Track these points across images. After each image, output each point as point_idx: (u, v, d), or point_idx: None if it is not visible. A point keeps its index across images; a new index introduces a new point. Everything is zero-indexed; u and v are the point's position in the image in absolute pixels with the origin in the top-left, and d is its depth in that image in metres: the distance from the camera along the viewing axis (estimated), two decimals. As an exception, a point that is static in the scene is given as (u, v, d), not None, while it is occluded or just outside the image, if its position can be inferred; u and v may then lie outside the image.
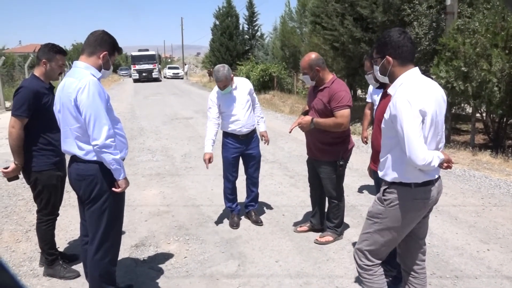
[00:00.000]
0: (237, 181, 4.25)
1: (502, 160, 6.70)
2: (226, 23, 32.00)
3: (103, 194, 2.49)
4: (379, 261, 2.34)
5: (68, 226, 4.18)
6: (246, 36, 33.06)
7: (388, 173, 2.19)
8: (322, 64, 3.44)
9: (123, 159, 2.57)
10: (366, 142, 4.84)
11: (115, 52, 2.60)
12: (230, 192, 4.18)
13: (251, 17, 32.86)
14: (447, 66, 7.34)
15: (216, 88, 4.02)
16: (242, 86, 4.01)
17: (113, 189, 2.50)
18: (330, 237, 3.79)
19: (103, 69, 2.55)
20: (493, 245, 3.72)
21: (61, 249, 3.56)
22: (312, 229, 4.00)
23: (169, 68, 45.27)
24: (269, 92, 19.18)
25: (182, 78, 42.09)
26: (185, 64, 49.25)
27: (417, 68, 2.14)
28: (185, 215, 4.49)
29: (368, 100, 4.93)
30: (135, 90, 24.88)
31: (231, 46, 31.56)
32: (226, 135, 4.07)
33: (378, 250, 2.30)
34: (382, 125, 2.18)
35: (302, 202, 4.92)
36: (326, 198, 3.85)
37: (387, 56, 2.13)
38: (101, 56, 2.49)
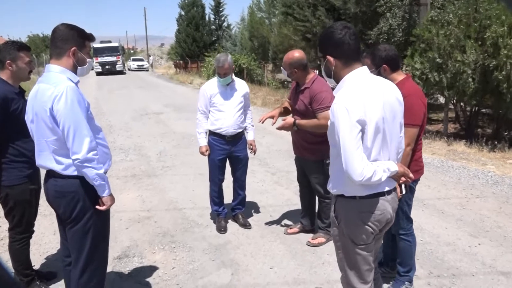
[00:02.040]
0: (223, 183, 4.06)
1: (476, 150, 6.83)
2: (192, 13, 31.35)
3: (86, 213, 2.24)
4: (368, 284, 2.05)
5: (42, 239, 3.86)
6: (213, 27, 32.58)
7: (334, 186, 1.99)
8: (302, 66, 3.31)
9: (106, 172, 2.32)
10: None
11: (85, 42, 2.27)
12: (216, 196, 3.99)
13: (217, 7, 32.38)
14: (422, 58, 7.40)
15: (214, 79, 3.80)
16: (240, 85, 3.85)
17: (97, 206, 2.25)
18: (322, 238, 3.68)
19: (78, 67, 2.26)
20: (483, 239, 3.73)
21: (36, 266, 3.26)
22: (303, 230, 3.88)
23: (134, 60, 43.99)
24: (239, 84, 18.93)
25: (147, 70, 41.02)
26: (150, 56, 48.00)
27: (364, 67, 1.90)
28: (168, 220, 4.25)
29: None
30: (99, 84, 23.92)
31: (197, 37, 31.00)
32: (212, 134, 3.85)
33: (360, 273, 2.01)
34: (328, 131, 1.96)
35: (288, 200, 4.79)
36: (316, 197, 3.74)
37: (328, 56, 1.89)
38: (70, 53, 2.19)
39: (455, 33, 6.88)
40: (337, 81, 1.96)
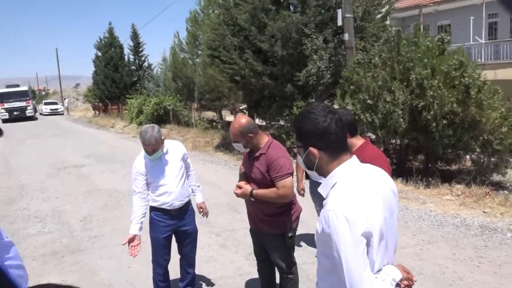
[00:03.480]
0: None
1: (413, 187, 6.98)
2: (110, 54, 30.17)
3: None
4: None
5: None
6: (133, 67, 31.62)
7: None
8: (254, 129, 2.97)
9: None
10: (303, 195, 4.47)
11: None
12: (162, 279, 3.39)
13: (137, 47, 31.63)
14: (353, 99, 7.53)
15: (141, 154, 3.27)
16: (174, 150, 3.33)
17: None
18: (288, 318, 3.25)
19: None
20: (449, 295, 3.58)
21: None
22: (265, 308, 3.43)
23: (46, 103, 41.08)
24: (166, 126, 18.24)
25: (62, 114, 38.43)
26: (65, 98, 45.16)
27: (354, 158, 1.59)
28: (102, 315, 3.54)
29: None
30: (6, 133, 21.57)
31: (117, 78, 29.77)
32: (154, 210, 3.30)
33: None
34: (316, 237, 1.59)
35: (240, 269, 4.31)
36: (277, 272, 3.33)
37: (311, 148, 1.57)
38: None
39: (381, 75, 7.13)
40: (322, 175, 1.63)
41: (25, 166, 11.08)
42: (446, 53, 6.98)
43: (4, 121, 30.38)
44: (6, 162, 12.10)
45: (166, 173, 3.22)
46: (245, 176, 3.13)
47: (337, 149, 1.56)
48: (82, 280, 4.19)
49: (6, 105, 30.75)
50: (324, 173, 1.60)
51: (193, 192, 3.55)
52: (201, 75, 17.89)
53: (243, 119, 2.99)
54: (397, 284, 1.59)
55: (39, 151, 13.95)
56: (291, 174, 2.92)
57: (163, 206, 3.23)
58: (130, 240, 3.14)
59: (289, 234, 3.04)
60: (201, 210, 3.60)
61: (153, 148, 3.09)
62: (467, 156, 7.78)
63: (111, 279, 4.18)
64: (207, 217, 3.69)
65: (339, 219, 1.40)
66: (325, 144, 1.55)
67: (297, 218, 3.16)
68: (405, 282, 1.60)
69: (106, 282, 4.12)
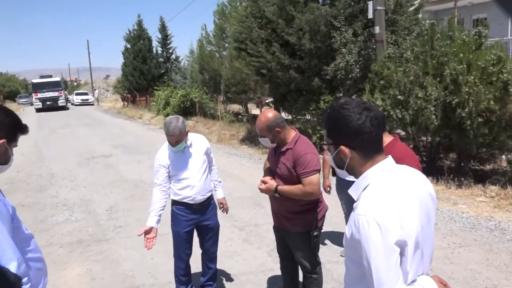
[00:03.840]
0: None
1: (444, 187, 6.72)
2: (138, 46, 30.58)
3: None
4: None
5: None
6: (161, 59, 31.94)
7: None
8: (282, 124, 2.87)
9: None
10: (329, 192, 4.35)
11: (17, 135, 1.76)
12: (183, 273, 3.36)
13: (165, 39, 31.88)
14: (383, 94, 7.30)
15: (165, 145, 3.24)
16: (198, 143, 3.28)
17: None
18: (310, 318, 3.16)
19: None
20: (482, 303, 3.40)
21: None
22: (286, 307, 3.35)
23: (77, 94, 42.17)
24: (192, 119, 18.36)
25: (92, 104, 39.37)
26: (95, 89, 46.22)
27: (389, 159, 1.47)
28: (124, 306, 3.55)
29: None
30: (39, 122, 22.29)
31: (145, 70, 30.15)
32: (176, 204, 3.27)
33: None
34: (344, 242, 1.49)
35: (263, 265, 4.24)
36: (301, 271, 3.24)
37: (342, 147, 1.46)
38: None
39: (413, 70, 6.86)
40: (353, 175, 1.52)
41: (55, 155, 11.38)
42: (483, 47, 6.64)
43: (38, 110, 31.39)
44: (38, 150, 12.46)
45: (189, 167, 3.18)
46: (270, 172, 3.05)
47: (371, 149, 1.45)
48: (105, 270, 4.23)
49: (40, 95, 31.74)
50: (355, 174, 1.49)
51: (214, 187, 3.49)
52: (228, 68, 17.84)
53: (270, 113, 2.90)
54: None
55: (70, 141, 14.31)
56: (318, 171, 2.81)
57: (185, 200, 3.19)
58: (147, 232, 3.09)
59: (315, 233, 2.95)
60: (222, 206, 3.54)
61: (176, 139, 3.04)
62: (503, 156, 7.42)
63: (134, 270, 4.20)
64: (227, 213, 3.63)
65: (371, 225, 1.29)
66: (358, 143, 1.43)
67: (323, 216, 3.06)
68: None
69: (129, 273, 4.15)
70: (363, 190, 1.42)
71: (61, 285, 3.94)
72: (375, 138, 1.43)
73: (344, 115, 1.44)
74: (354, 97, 8.62)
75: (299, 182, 2.81)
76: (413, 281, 1.41)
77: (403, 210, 1.34)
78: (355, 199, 1.46)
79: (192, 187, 3.17)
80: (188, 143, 3.22)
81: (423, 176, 1.53)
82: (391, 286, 1.27)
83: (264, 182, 2.88)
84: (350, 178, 4.31)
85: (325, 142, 1.55)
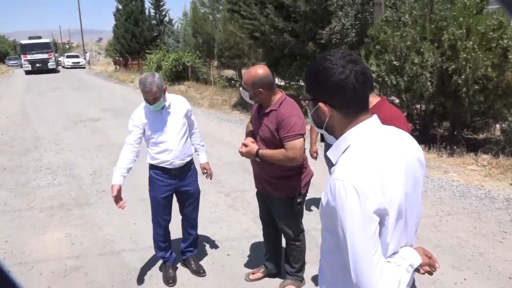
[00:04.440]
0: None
1: (435, 155, 6.61)
2: (130, 8, 29.59)
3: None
4: None
5: None
6: (154, 22, 31.05)
7: None
8: (268, 85, 2.67)
9: None
10: (316, 158, 4.21)
11: None
12: (162, 240, 3.25)
13: (158, 1, 30.89)
14: (378, 60, 7.06)
15: (141, 106, 3.05)
16: (177, 105, 3.09)
17: None
18: (292, 285, 3.09)
19: None
20: (467, 272, 3.34)
21: None
22: (268, 274, 3.28)
23: (68, 56, 41.27)
24: (184, 83, 17.99)
25: (83, 68, 38.58)
26: (86, 52, 45.15)
27: (374, 118, 1.29)
28: (102, 271, 3.45)
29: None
30: (28, 85, 21.81)
31: (137, 33, 29.34)
32: (154, 168, 3.11)
33: None
34: (320, 210, 1.32)
35: (247, 231, 4.16)
36: (283, 238, 3.14)
37: (321, 104, 1.28)
38: None
39: (411, 34, 6.59)
40: (333, 135, 1.34)
41: (42, 118, 11.12)
42: (484, 12, 6.36)
43: (27, 72, 30.75)
44: (24, 113, 12.17)
45: (167, 129, 2.99)
46: (253, 134, 2.88)
47: (353, 108, 1.26)
48: (86, 235, 4.12)
49: (29, 57, 30.99)
50: (336, 134, 1.32)
51: (196, 151, 3.33)
52: (221, 31, 17.31)
53: (260, 69, 2.69)
54: (416, 269, 1.34)
55: (58, 104, 13.99)
56: (303, 135, 2.65)
57: (162, 165, 3.03)
58: (115, 189, 2.92)
59: (298, 200, 2.82)
60: (205, 171, 3.38)
61: (154, 96, 2.85)
62: (497, 125, 7.30)
63: (115, 235, 4.10)
64: (210, 178, 3.47)
65: (348, 191, 1.13)
66: (339, 101, 1.25)
67: (308, 183, 2.92)
68: (426, 268, 1.36)
69: (110, 238, 4.04)
70: (343, 153, 1.26)
71: (40, 249, 3.83)
72: (359, 96, 1.24)
73: (325, 67, 1.24)
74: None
75: (282, 146, 2.65)
76: (395, 253, 1.27)
77: (386, 175, 1.18)
78: (334, 163, 1.29)
79: (170, 151, 3.00)
80: (167, 104, 3.02)
81: (412, 139, 1.36)
82: (368, 259, 1.13)
83: (245, 145, 2.71)
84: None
85: (304, 98, 1.37)
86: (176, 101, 3.11)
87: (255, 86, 2.64)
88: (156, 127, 2.98)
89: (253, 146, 2.69)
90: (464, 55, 5.89)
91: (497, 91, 6.14)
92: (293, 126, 2.59)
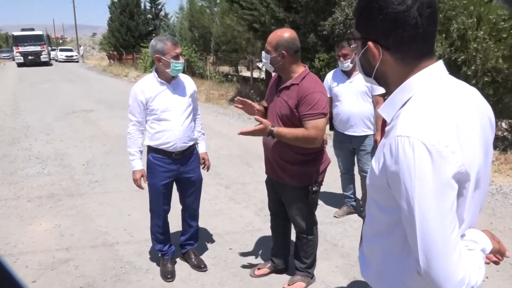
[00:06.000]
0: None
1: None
2: (126, 1, 29.08)
3: None
4: None
5: None
6: (149, 16, 30.56)
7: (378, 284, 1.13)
8: (292, 50, 2.39)
9: None
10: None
11: None
12: (161, 231, 2.98)
13: (154, -6, 30.39)
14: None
15: (146, 77, 2.78)
16: (185, 82, 2.84)
17: None
18: (301, 282, 2.83)
19: None
20: (489, 269, 3.08)
21: None
22: (275, 270, 3.02)
23: (61, 50, 40.68)
24: (180, 77, 17.64)
25: (77, 61, 38.05)
26: (80, 46, 44.55)
27: (439, 64, 1.02)
28: (94, 264, 3.17)
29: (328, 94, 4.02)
30: (20, 77, 21.35)
31: (132, 26, 28.84)
32: (153, 151, 2.82)
33: None
34: (367, 181, 1.09)
35: (249, 224, 3.89)
36: (294, 231, 2.88)
37: (370, 44, 1.02)
38: None
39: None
40: (386, 86, 1.08)
41: (33, 109, 10.76)
42: (495, 1, 6.14)
43: (19, 65, 30.25)
44: (16, 103, 11.79)
45: (172, 106, 2.71)
46: (266, 113, 2.60)
47: (413, 52, 0.99)
48: (76, 226, 3.83)
49: (21, 49, 30.48)
50: (388, 85, 1.06)
51: (196, 139, 3.05)
52: (218, 24, 17.00)
53: (287, 33, 2.40)
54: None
55: (50, 95, 13.62)
56: (326, 115, 2.37)
57: (163, 147, 2.74)
58: (138, 176, 2.81)
59: (314, 189, 2.55)
60: (203, 161, 3.08)
61: (180, 51, 2.66)
62: (503, 123, 7.10)
63: (108, 226, 3.81)
64: (208, 170, 3.18)
65: (417, 150, 0.87)
66: (395, 41, 0.98)
67: (324, 170, 2.66)
68: (493, 258, 1.10)
69: (103, 229, 3.76)
70: (403, 106, 0.99)
71: (26, 240, 3.54)
72: (422, 36, 0.97)
73: None
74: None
75: (300, 126, 2.38)
76: (462, 236, 1.02)
77: (463, 128, 0.92)
78: (388, 121, 1.03)
79: (173, 131, 2.72)
80: (175, 79, 2.76)
81: (483, 98, 1.11)
82: (444, 240, 0.87)
83: (258, 121, 2.31)
84: (350, 132, 3.86)
85: (352, 36, 1.11)
86: (185, 79, 2.85)
87: (279, 48, 2.35)
88: (161, 102, 2.69)
89: (266, 122, 2.32)
90: (475, 45, 5.68)
91: (506, 84, 5.93)
92: (316, 103, 2.31)
